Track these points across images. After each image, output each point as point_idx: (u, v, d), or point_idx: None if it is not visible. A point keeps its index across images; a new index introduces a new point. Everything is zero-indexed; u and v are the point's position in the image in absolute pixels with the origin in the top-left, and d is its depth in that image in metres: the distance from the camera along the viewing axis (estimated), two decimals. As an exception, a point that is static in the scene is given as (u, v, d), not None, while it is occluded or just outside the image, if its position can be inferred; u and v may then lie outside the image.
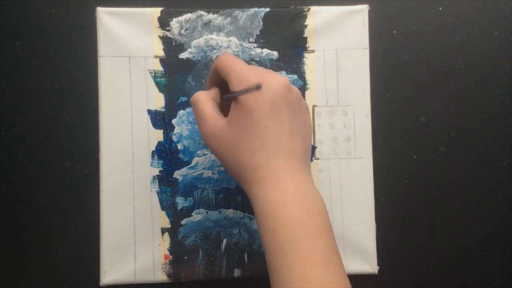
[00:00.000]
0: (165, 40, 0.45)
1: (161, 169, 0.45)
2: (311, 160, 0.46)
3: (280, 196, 0.33)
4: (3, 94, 0.46)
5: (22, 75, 0.46)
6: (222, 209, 0.45)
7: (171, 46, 0.45)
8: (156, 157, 0.45)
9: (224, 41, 0.45)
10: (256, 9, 0.45)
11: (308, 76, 0.46)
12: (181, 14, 0.45)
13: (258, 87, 0.33)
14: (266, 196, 0.34)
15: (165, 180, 0.45)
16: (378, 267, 0.46)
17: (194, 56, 0.45)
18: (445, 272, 0.47)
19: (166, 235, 0.45)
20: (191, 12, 0.45)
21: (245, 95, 0.34)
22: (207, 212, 0.45)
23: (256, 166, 0.34)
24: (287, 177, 0.34)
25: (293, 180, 0.34)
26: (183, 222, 0.45)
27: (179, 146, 0.45)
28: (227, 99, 0.36)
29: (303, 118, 0.36)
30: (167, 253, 0.45)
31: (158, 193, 0.45)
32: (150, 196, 0.45)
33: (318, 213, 0.34)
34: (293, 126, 0.35)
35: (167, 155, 0.45)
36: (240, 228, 0.45)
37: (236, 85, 0.34)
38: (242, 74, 0.35)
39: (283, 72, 0.46)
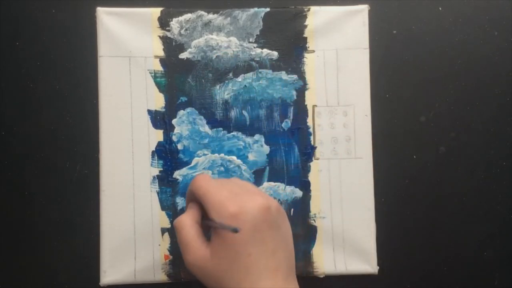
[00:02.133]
0: (165, 40, 0.45)
1: (161, 169, 0.45)
2: (311, 160, 0.46)
3: None
4: (3, 94, 0.46)
5: (22, 75, 0.46)
6: (222, 209, 0.45)
7: (171, 46, 0.45)
8: (156, 157, 0.45)
9: (224, 41, 0.45)
10: (256, 9, 0.45)
11: (308, 76, 0.46)
12: (181, 14, 0.45)
13: (235, 230, 0.33)
14: None
15: (165, 180, 0.45)
16: (378, 267, 0.46)
17: (194, 56, 0.45)
18: (445, 272, 0.47)
19: (166, 235, 0.45)
20: (191, 12, 0.45)
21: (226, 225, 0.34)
22: (207, 212, 0.45)
23: None
24: None
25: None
26: (183, 222, 0.45)
27: (179, 146, 0.45)
28: (207, 224, 0.36)
29: (284, 230, 0.36)
30: (167, 253, 0.45)
31: (158, 193, 0.45)
32: (150, 196, 0.45)
33: None
34: (275, 243, 0.35)
35: (167, 155, 0.45)
36: (240, 228, 0.45)
37: (214, 215, 0.34)
38: (220, 203, 0.34)
39: (283, 72, 0.46)
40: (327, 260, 0.46)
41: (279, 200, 0.46)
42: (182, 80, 0.45)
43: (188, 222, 0.37)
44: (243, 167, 0.46)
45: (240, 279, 0.34)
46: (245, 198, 0.35)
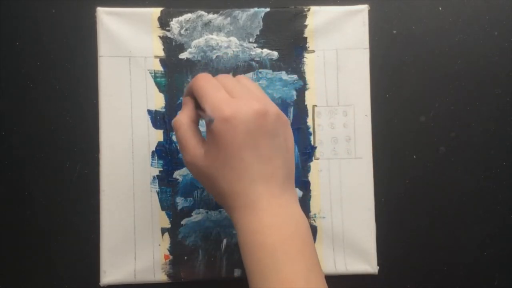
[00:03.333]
0: (165, 40, 0.45)
1: (161, 169, 0.45)
2: (311, 160, 0.46)
3: (258, 222, 0.34)
4: (3, 94, 0.46)
5: (22, 75, 0.46)
6: (222, 209, 0.45)
7: (171, 46, 0.45)
8: (156, 157, 0.45)
9: (224, 41, 0.45)
10: (256, 9, 0.45)
11: (308, 76, 0.46)
12: (181, 14, 0.45)
13: (210, 120, 0.34)
14: (245, 222, 0.34)
15: (165, 180, 0.45)
16: (378, 267, 0.46)
17: (194, 56, 0.45)
18: (445, 272, 0.47)
19: (166, 235, 0.45)
20: (191, 12, 0.45)
21: (220, 128, 0.34)
22: (207, 212, 0.45)
23: (235, 195, 0.35)
24: (265, 202, 0.34)
25: (271, 205, 0.34)
26: (183, 222, 0.45)
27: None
28: (199, 115, 0.37)
29: (282, 138, 0.36)
30: (167, 253, 0.45)
31: (158, 193, 0.45)
32: (150, 196, 0.45)
33: (298, 235, 0.34)
34: (271, 151, 0.35)
35: (167, 155, 0.45)
36: (240, 228, 0.45)
37: (210, 114, 0.35)
38: (214, 106, 0.34)
39: (283, 72, 0.46)
40: (327, 260, 0.46)
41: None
42: (182, 80, 0.45)
43: (185, 121, 0.37)
44: (243, 167, 0.45)
45: (233, 181, 0.34)
46: (241, 102, 0.34)
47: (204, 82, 0.36)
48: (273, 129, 0.35)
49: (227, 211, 0.36)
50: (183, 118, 0.37)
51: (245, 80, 0.38)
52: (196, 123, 0.38)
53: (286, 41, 0.46)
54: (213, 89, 0.36)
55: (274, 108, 0.36)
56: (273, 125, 0.35)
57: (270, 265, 0.33)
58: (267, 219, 0.34)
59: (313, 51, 0.46)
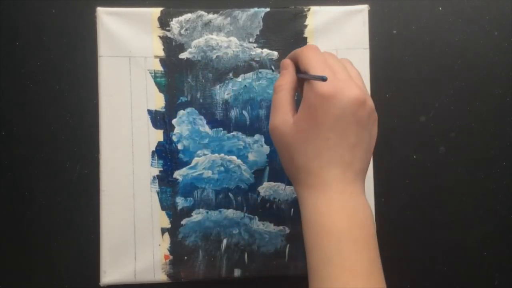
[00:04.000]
0: (165, 40, 0.45)
1: (161, 169, 0.45)
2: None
3: (328, 204, 0.34)
4: (3, 94, 0.46)
5: (22, 75, 0.46)
6: (222, 209, 0.45)
7: (171, 46, 0.45)
8: (156, 157, 0.45)
9: (224, 41, 0.45)
10: (256, 9, 0.45)
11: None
12: (181, 14, 0.45)
13: (323, 79, 0.33)
14: (314, 202, 0.34)
15: (165, 180, 0.45)
16: (378, 267, 0.46)
17: (194, 56, 0.45)
18: (445, 272, 0.47)
19: (166, 235, 0.45)
20: (191, 12, 0.45)
21: (316, 103, 0.34)
22: (207, 212, 0.45)
23: (310, 172, 0.34)
24: (339, 187, 0.34)
25: (343, 191, 0.34)
26: (183, 222, 0.45)
27: (179, 146, 0.45)
28: (300, 77, 0.37)
29: (369, 131, 0.36)
30: (167, 253, 0.45)
31: (158, 193, 0.45)
32: (150, 196, 0.45)
33: (365, 225, 0.34)
34: (357, 140, 0.35)
35: (167, 155, 0.45)
36: (240, 228, 0.46)
37: (306, 87, 0.34)
38: (316, 83, 0.34)
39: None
40: (327, 260, 0.46)
41: (279, 200, 0.46)
42: (182, 80, 0.45)
43: (287, 86, 0.37)
44: (243, 167, 0.46)
45: (312, 158, 0.34)
46: (344, 84, 0.34)
47: (313, 54, 0.36)
48: (365, 120, 0.35)
49: (294, 186, 0.36)
50: (286, 81, 0.37)
51: (350, 65, 0.38)
52: (295, 89, 0.37)
53: (286, 41, 0.46)
54: (320, 63, 0.35)
55: (371, 102, 0.36)
56: (366, 117, 0.35)
57: (334, 250, 0.32)
58: (337, 203, 0.34)
59: (313, 51, 0.46)
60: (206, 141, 0.45)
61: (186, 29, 0.45)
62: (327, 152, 0.34)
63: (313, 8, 0.46)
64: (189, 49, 0.45)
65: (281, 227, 0.46)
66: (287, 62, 0.38)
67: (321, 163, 0.34)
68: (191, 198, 0.45)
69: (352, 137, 0.34)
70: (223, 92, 0.45)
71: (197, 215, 0.45)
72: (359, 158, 0.35)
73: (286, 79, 0.37)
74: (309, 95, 0.34)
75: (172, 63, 0.45)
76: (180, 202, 0.45)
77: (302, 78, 0.36)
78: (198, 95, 0.45)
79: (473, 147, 0.47)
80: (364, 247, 0.33)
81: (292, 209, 0.46)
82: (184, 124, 0.45)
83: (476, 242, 0.47)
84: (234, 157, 0.45)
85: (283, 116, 0.36)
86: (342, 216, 0.33)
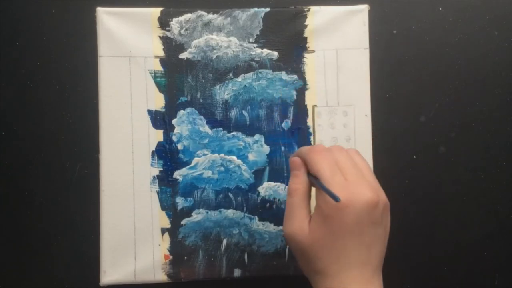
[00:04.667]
0: (165, 40, 0.45)
1: (161, 169, 0.45)
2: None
3: None
4: (3, 94, 0.46)
5: (22, 75, 0.46)
6: (222, 209, 0.45)
7: (171, 46, 0.45)
8: (156, 157, 0.45)
9: (224, 41, 0.45)
10: (256, 9, 0.45)
11: (308, 76, 0.46)
12: (181, 14, 0.45)
13: (336, 199, 0.33)
14: None
15: (165, 180, 0.45)
16: (378, 267, 0.46)
17: (194, 56, 0.45)
18: (445, 272, 0.47)
19: (166, 235, 0.45)
20: (191, 12, 0.45)
21: (331, 213, 0.34)
22: (207, 212, 0.45)
23: (327, 275, 0.35)
24: (357, 287, 0.34)
25: None
26: (183, 222, 0.45)
27: (179, 146, 0.45)
28: (313, 182, 0.37)
29: (384, 226, 0.36)
30: (167, 253, 0.45)
31: (158, 193, 0.45)
32: (150, 196, 0.45)
33: None
34: (373, 239, 0.35)
35: (167, 155, 0.45)
36: (240, 228, 0.46)
37: (319, 194, 0.35)
38: (330, 187, 0.34)
39: (283, 72, 0.46)
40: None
41: (279, 200, 0.46)
42: (182, 80, 0.45)
43: (302, 190, 0.37)
44: (243, 167, 0.46)
45: (330, 264, 0.34)
46: (356, 189, 0.34)
47: (321, 158, 0.36)
48: (380, 218, 0.35)
49: (313, 285, 0.36)
50: (300, 184, 0.37)
51: (358, 157, 0.38)
52: (309, 192, 0.38)
53: (286, 41, 0.46)
54: (330, 168, 0.36)
55: (383, 196, 0.36)
56: (381, 215, 0.35)
57: None
58: None
59: (313, 51, 0.46)
60: (206, 141, 0.45)
61: (186, 29, 0.45)
62: (345, 257, 0.34)
63: (313, 8, 0.46)
64: (189, 49, 0.45)
65: (281, 227, 0.46)
66: (298, 162, 0.38)
67: (339, 267, 0.34)
68: (191, 198, 0.45)
69: (367, 237, 0.35)
70: (223, 92, 0.46)
71: (197, 215, 0.45)
72: (374, 255, 0.35)
73: (300, 181, 0.37)
74: (323, 206, 0.35)
75: (172, 63, 0.45)
76: (180, 202, 0.45)
77: (315, 183, 0.36)
78: (198, 95, 0.45)
79: (473, 147, 0.47)
80: None
81: (292, 209, 0.46)
82: (184, 124, 0.45)
83: (476, 242, 0.47)
84: (234, 157, 0.46)
85: (299, 224, 0.36)
86: None
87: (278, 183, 0.46)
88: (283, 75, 0.46)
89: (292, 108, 0.46)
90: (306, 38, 0.46)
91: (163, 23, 0.45)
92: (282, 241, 0.46)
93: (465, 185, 0.47)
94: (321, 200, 0.35)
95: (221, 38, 0.45)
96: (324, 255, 0.35)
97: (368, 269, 0.35)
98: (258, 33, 0.45)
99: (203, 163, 0.45)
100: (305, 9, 0.46)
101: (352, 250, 0.34)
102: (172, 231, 0.45)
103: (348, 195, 0.34)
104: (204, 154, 0.45)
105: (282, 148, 0.46)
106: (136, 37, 0.45)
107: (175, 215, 0.45)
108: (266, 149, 0.46)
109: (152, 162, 0.45)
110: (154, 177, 0.45)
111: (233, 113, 0.46)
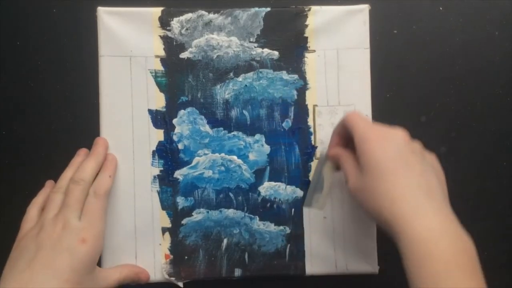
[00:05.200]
0: (166, 40, 0.45)
1: (162, 168, 0.45)
2: (312, 160, 0.46)
3: (426, 228, 0.33)
4: (3, 94, 0.46)
5: (22, 75, 0.46)
6: (222, 208, 0.45)
7: (172, 46, 0.45)
8: (156, 156, 0.45)
9: (224, 40, 0.45)
10: (256, 9, 0.45)
11: (309, 76, 0.46)
12: (181, 14, 0.45)
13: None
14: (411, 230, 0.34)
15: (165, 180, 0.45)
16: (378, 267, 0.46)
17: (194, 56, 0.45)
18: (445, 272, 0.47)
19: (167, 234, 0.45)
20: (191, 12, 0.45)
21: (369, 149, 0.37)
22: (207, 212, 0.45)
23: (396, 203, 0.35)
24: (431, 209, 0.34)
25: (438, 214, 0.34)
26: (183, 221, 0.45)
27: (180, 146, 0.45)
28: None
29: (430, 164, 0.38)
30: (168, 252, 0.45)
31: (158, 192, 0.45)
32: (150, 196, 0.45)
33: (469, 254, 0.34)
34: (422, 167, 0.36)
35: (168, 155, 0.45)
36: (240, 227, 0.45)
37: (357, 142, 0.38)
38: (366, 128, 0.38)
39: (284, 71, 0.46)
40: (327, 260, 0.46)
41: (279, 200, 0.46)
42: (182, 79, 0.45)
43: (346, 154, 0.40)
44: (244, 166, 0.46)
45: (389, 193, 0.35)
46: (388, 129, 0.38)
47: (355, 116, 0.39)
48: (420, 152, 0.38)
49: (387, 228, 0.36)
50: (344, 153, 0.41)
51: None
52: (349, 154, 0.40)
53: (287, 41, 0.46)
54: (363, 122, 0.39)
55: (417, 142, 0.39)
56: (419, 149, 0.38)
57: (442, 277, 0.32)
58: (436, 225, 0.33)
59: (314, 50, 0.46)
60: (206, 140, 0.45)
61: (186, 29, 0.45)
62: (401, 181, 0.35)
63: (314, 8, 0.46)
64: (190, 49, 0.45)
65: (281, 227, 0.46)
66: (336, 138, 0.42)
67: (401, 192, 0.35)
68: (192, 198, 0.45)
69: (417, 166, 0.36)
70: (224, 92, 0.45)
71: (198, 215, 0.45)
72: (435, 185, 0.36)
73: (343, 151, 0.41)
74: (363, 150, 0.37)
75: (173, 62, 0.45)
76: (181, 201, 0.45)
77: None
78: (199, 95, 0.45)
79: (473, 147, 0.47)
80: (472, 276, 0.32)
81: (293, 209, 0.46)
82: (185, 123, 0.45)
83: (476, 242, 0.47)
84: (234, 157, 0.45)
85: (353, 179, 0.38)
86: (444, 239, 0.33)
87: (279, 183, 0.46)
88: (284, 74, 0.46)
89: (292, 107, 0.46)
90: (306, 37, 0.46)
91: (164, 22, 0.45)
92: (283, 241, 0.46)
93: (465, 185, 0.47)
94: (360, 146, 0.37)
95: (221, 37, 0.45)
96: (381, 188, 0.36)
97: (434, 198, 0.35)
98: (259, 32, 0.45)
99: (203, 163, 0.45)
100: (306, 9, 0.46)
101: (406, 177, 0.35)
102: (173, 231, 0.45)
103: (383, 131, 0.37)
104: (205, 154, 0.45)
105: (283, 147, 0.46)
106: (136, 37, 0.45)
107: (176, 215, 0.45)
108: (267, 148, 0.46)
109: (152, 161, 0.45)
110: (154, 177, 0.45)
111: (234, 113, 0.46)
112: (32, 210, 0.42)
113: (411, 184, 0.35)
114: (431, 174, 0.37)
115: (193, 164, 0.45)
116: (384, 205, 0.35)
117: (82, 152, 0.44)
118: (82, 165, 0.42)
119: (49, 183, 0.44)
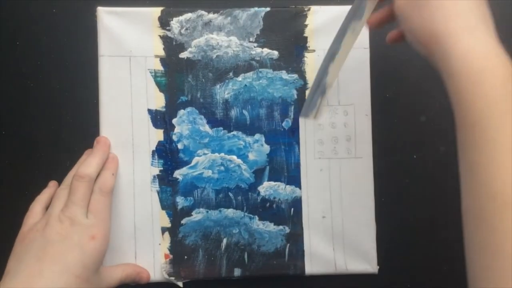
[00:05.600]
0: (166, 40, 0.45)
1: (161, 168, 0.45)
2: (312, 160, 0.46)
3: (483, 47, 0.32)
4: (3, 94, 0.46)
5: (22, 75, 0.46)
6: (222, 208, 0.45)
7: (172, 46, 0.45)
8: (156, 156, 0.45)
9: (224, 40, 0.45)
10: (256, 8, 0.46)
11: (309, 76, 0.46)
12: (181, 13, 0.45)
13: None
14: (466, 46, 0.32)
15: (165, 180, 0.45)
16: (378, 267, 0.46)
17: (194, 56, 0.45)
18: (445, 272, 0.47)
19: (167, 234, 0.45)
20: (191, 11, 0.45)
21: None
22: (207, 212, 0.45)
23: (448, 16, 0.33)
24: (485, 33, 0.33)
25: (491, 38, 0.33)
26: (183, 221, 0.45)
27: (179, 146, 0.45)
28: None
29: None
30: (167, 252, 0.45)
31: (158, 192, 0.45)
32: (150, 196, 0.45)
33: None
34: None
35: (167, 155, 0.45)
36: (240, 227, 0.45)
37: None
38: None
39: (284, 71, 0.46)
40: (327, 259, 0.46)
41: (279, 199, 0.46)
42: (182, 79, 0.45)
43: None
44: (243, 166, 0.46)
45: (445, 13, 0.33)
46: None
47: None
48: None
49: (436, 46, 0.34)
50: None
51: None
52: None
53: (287, 41, 0.46)
54: None
55: None
56: None
57: (499, 90, 0.30)
58: (491, 45, 0.32)
59: (314, 50, 0.46)
60: (206, 140, 0.45)
61: (186, 29, 0.45)
62: (461, 5, 0.33)
63: (314, 8, 0.46)
64: (190, 49, 0.45)
65: (281, 227, 0.46)
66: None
67: (462, 14, 0.33)
68: (191, 198, 0.45)
69: None
70: (223, 92, 0.46)
71: (197, 215, 0.45)
72: (488, 15, 0.34)
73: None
74: None
75: (173, 62, 0.45)
76: (180, 201, 0.45)
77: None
78: (198, 95, 0.45)
79: (473, 146, 0.47)
80: None
81: (292, 209, 0.46)
82: (184, 123, 0.45)
83: (476, 242, 0.47)
84: (234, 157, 0.46)
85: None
86: (500, 61, 0.32)
87: (278, 183, 0.46)
88: (284, 74, 0.46)
89: (292, 107, 0.46)
90: (306, 37, 0.46)
91: (164, 22, 0.45)
92: (282, 241, 0.46)
93: (465, 184, 0.47)
94: None
95: (221, 37, 0.45)
96: (433, 14, 0.33)
97: (478, 19, 0.33)
98: (259, 32, 0.46)
99: (203, 163, 0.45)
100: (306, 9, 0.46)
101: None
102: (172, 231, 0.45)
103: None
104: (204, 154, 0.45)
105: (282, 147, 0.46)
106: (136, 37, 0.45)
107: (175, 215, 0.45)
108: (267, 148, 0.46)
109: (152, 161, 0.45)
110: (154, 177, 0.45)
111: (234, 113, 0.46)
112: (36, 207, 0.42)
113: (469, 4, 0.33)
114: (486, 4, 0.35)
115: (192, 164, 0.45)
116: (438, 19, 0.33)
117: (90, 152, 0.44)
118: (86, 161, 0.42)
119: (52, 183, 0.44)
